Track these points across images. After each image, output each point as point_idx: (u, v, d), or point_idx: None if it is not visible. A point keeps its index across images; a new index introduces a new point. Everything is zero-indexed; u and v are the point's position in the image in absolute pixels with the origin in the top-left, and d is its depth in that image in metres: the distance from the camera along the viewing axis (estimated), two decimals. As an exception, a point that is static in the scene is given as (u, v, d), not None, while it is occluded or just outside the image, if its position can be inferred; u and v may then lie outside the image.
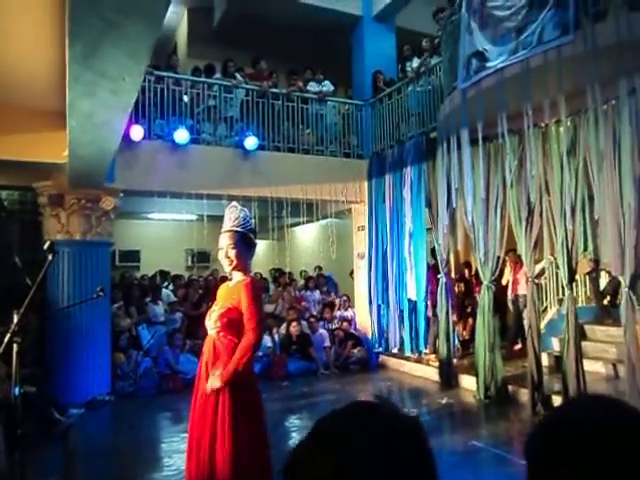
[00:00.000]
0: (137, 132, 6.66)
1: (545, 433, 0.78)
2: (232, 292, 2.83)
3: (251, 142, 7.50)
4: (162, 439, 5.33)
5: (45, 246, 2.76)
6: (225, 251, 2.84)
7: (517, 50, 4.80)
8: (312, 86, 8.57)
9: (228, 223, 2.88)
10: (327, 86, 8.63)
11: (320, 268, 10.56)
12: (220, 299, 2.91)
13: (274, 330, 8.18)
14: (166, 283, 9.43)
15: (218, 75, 8.03)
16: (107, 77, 2.83)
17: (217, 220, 11.36)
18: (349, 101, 8.92)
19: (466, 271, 8.51)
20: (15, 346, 2.53)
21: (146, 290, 8.50)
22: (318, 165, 8.10)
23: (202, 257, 12.45)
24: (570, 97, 4.74)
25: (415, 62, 8.22)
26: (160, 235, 12.01)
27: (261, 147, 7.69)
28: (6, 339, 2.54)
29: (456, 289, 8.05)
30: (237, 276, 2.87)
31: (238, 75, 8.01)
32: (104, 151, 4.46)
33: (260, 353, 7.65)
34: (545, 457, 0.76)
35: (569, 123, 5.05)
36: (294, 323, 7.94)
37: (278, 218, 8.25)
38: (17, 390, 2.55)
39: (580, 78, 4.50)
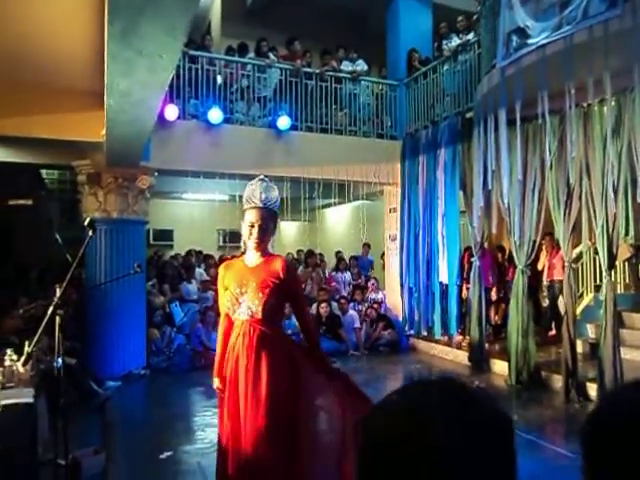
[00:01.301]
0: (172, 112, 6.71)
1: (601, 417, 0.75)
2: (266, 272, 2.58)
3: (284, 122, 7.47)
4: (195, 413, 5.47)
5: (85, 222, 2.83)
6: (256, 229, 2.56)
7: (561, 26, 4.60)
8: (345, 65, 8.46)
9: (260, 197, 2.58)
10: (361, 65, 8.50)
11: (368, 245, 10.37)
12: (243, 280, 2.57)
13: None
14: (197, 262, 9.58)
15: (252, 55, 7.99)
16: (145, 55, 2.85)
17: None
18: (383, 81, 8.77)
19: (499, 255, 8.37)
20: (58, 319, 2.61)
21: (179, 269, 8.66)
22: (351, 146, 8.02)
23: (233, 237, 12.56)
24: (616, 75, 4.54)
25: (453, 40, 8.01)
26: (193, 215, 12.17)
27: (294, 127, 7.67)
28: (49, 312, 2.62)
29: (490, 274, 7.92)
30: (257, 256, 2.61)
31: (271, 55, 7.96)
32: (140, 130, 4.52)
33: (289, 332, 7.74)
34: (599, 442, 0.74)
35: (613, 102, 4.86)
36: (323, 304, 7.97)
37: (310, 199, 8.25)
38: (60, 362, 2.64)
39: (627, 55, 4.30)
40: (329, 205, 11.45)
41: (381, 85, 8.71)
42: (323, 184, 7.94)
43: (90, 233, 2.80)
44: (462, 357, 7.16)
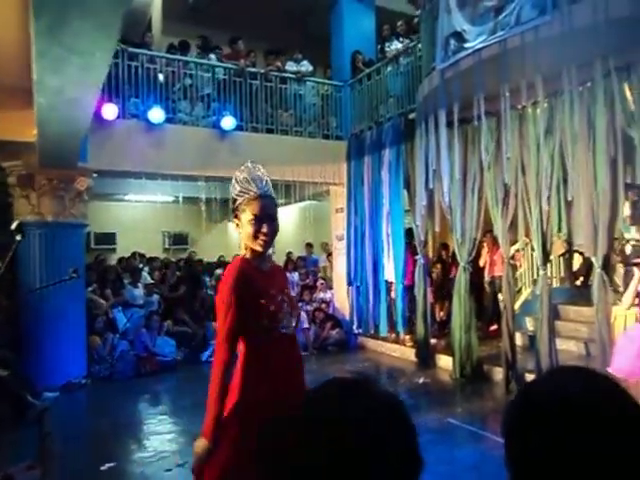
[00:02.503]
0: (110, 111, 6.49)
1: (517, 407, 0.78)
2: (283, 279, 2.29)
3: (228, 122, 7.38)
4: (139, 421, 5.31)
5: (13, 226, 2.68)
6: (270, 223, 2.06)
7: (495, 30, 4.77)
8: (290, 66, 8.45)
9: (265, 184, 2.09)
10: (306, 66, 8.52)
11: (311, 245, 10.48)
12: (273, 289, 2.11)
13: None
14: (141, 265, 9.32)
15: (194, 52, 7.85)
16: (76, 52, 2.74)
17: (193, 202, 11.29)
18: (328, 82, 8.82)
19: (443, 253, 8.59)
20: (-17, 329, 2.46)
21: (120, 273, 8.39)
22: (297, 146, 8.02)
23: (179, 239, 12.34)
24: (547, 79, 4.76)
25: (395, 43, 8.16)
26: (136, 217, 11.83)
27: (239, 127, 7.58)
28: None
29: (434, 271, 8.12)
30: (265, 259, 2.19)
31: (213, 55, 7.84)
32: (75, 129, 4.34)
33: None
34: (517, 431, 0.76)
35: (545, 105, 5.08)
36: (272, 305, 7.91)
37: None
38: (-13, 373, 2.49)
39: (557, 59, 4.52)
40: (279, 205, 11.41)
41: (326, 86, 8.75)
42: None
43: (19, 237, 2.66)
44: (410, 354, 7.30)
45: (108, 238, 11.45)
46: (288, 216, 12.26)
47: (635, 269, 3.70)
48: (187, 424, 5.04)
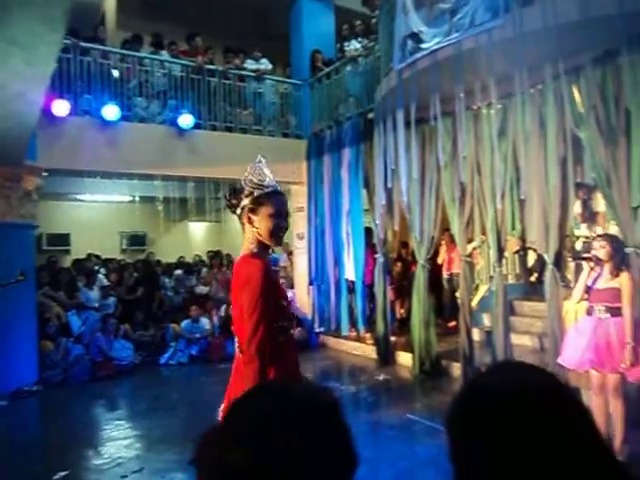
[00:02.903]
0: (61, 107, 6.26)
1: (457, 403, 0.79)
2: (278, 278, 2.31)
3: (186, 120, 7.25)
4: (94, 427, 5.16)
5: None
6: (288, 219, 2.13)
7: (451, 32, 4.85)
8: (249, 64, 8.38)
9: (277, 184, 2.13)
10: (265, 64, 8.46)
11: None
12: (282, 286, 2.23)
13: (213, 312, 8.09)
14: (97, 267, 9.06)
15: (147, 48, 7.67)
16: (18, 45, 2.62)
17: (151, 201, 11.05)
18: (287, 80, 8.78)
19: (403, 251, 8.69)
20: None
21: (74, 275, 8.13)
22: (256, 145, 7.92)
23: (137, 240, 12.05)
24: (500, 80, 4.86)
25: (353, 43, 8.19)
26: (92, 217, 11.48)
27: (197, 126, 7.46)
28: None
29: (394, 269, 8.21)
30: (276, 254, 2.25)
31: (164, 52, 7.69)
32: (21, 125, 4.16)
33: (197, 335, 7.56)
34: (457, 426, 0.77)
35: (499, 106, 5.20)
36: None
37: (215, 199, 8.09)
38: None
39: (509, 62, 4.61)
40: (237, 205, 11.29)
41: (285, 84, 8.72)
42: (229, 184, 7.80)
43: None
44: (370, 351, 7.35)
45: (61, 239, 11.07)
46: (249, 215, 12.15)
47: (584, 264, 3.82)
48: (145, 429, 4.93)
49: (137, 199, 8.27)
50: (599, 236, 3.96)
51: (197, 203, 8.35)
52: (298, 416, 0.68)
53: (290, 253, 9.52)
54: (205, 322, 7.76)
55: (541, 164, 4.84)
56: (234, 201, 2.08)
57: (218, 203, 8.30)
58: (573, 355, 3.70)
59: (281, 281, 8.93)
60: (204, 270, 9.37)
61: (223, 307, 8.16)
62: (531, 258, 8.32)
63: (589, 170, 4.68)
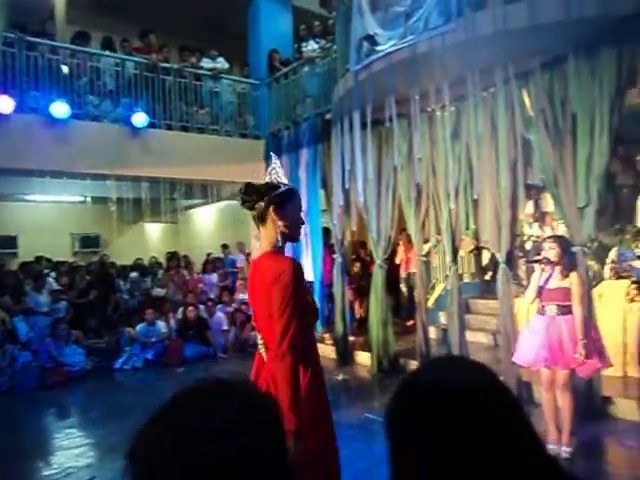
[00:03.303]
0: (6, 104, 6.01)
1: (396, 399, 0.79)
2: None
3: (140, 119, 7.08)
4: (44, 437, 4.96)
5: None
6: None
7: (405, 35, 4.91)
8: (206, 62, 8.26)
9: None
10: (221, 63, 8.36)
11: (226, 247, 10.31)
12: None
13: (170, 315, 7.93)
14: (47, 270, 8.73)
15: (96, 44, 7.44)
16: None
17: (104, 202, 10.72)
18: (244, 80, 8.71)
19: (362, 251, 8.76)
20: None
21: (21, 279, 7.80)
22: (213, 145, 7.85)
23: (90, 241, 11.67)
24: (454, 83, 4.96)
25: (311, 43, 8.20)
26: (41, 219, 11.04)
27: (151, 125, 7.30)
28: None
29: (353, 269, 8.26)
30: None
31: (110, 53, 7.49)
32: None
33: (153, 339, 7.40)
34: (398, 422, 0.77)
35: (453, 109, 5.31)
36: (190, 307, 7.73)
37: (171, 200, 7.93)
38: None
39: (462, 65, 4.73)
40: (194, 206, 11.10)
41: (243, 84, 8.65)
42: (185, 184, 7.68)
43: None
44: (329, 352, 7.36)
45: (7, 241, 10.60)
46: (207, 216, 11.99)
47: (536, 265, 3.94)
48: (97, 437, 4.78)
49: (89, 199, 8.00)
50: (548, 238, 4.10)
51: (152, 204, 8.16)
52: (243, 419, 0.67)
53: (248, 255, 9.43)
54: (161, 325, 7.59)
55: (493, 165, 4.97)
56: (254, 196, 2.05)
57: (174, 204, 8.16)
58: (528, 353, 3.81)
59: (239, 283, 8.86)
60: (160, 272, 9.17)
61: (180, 309, 8.01)
62: (485, 257, 8.54)
63: (538, 172, 4.83)
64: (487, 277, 8.36)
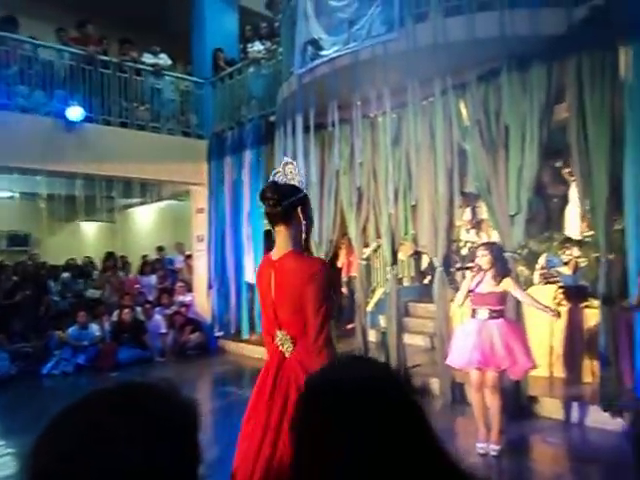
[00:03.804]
0: None
1: (298, 402, 0.79)
2: None
3: (76, 113, 6.78)
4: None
5: None
6: None
7: (349, 41, 4.97)
8: (147, 58, 8.03)
9: None
10: (164, 59, 8.16)
11: (162, 249, 10.06)
12: None
13: (104, 318, 7.63)
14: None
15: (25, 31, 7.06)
16: None
17: (34, 198, 10.18)
18: (188, 77, 8.53)
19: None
20: None
21: None
22: (154, 143, 7.64)
23: (18, 240, 11.03)
24: (395, 91, 5.08)
25: (257, 45, 8.15)
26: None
27: (88, 119, 7.00)
28: None
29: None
30: None
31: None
32: None
33: (86, 343, 7.10)
34: (300, 423, 0.77)
35: (394, 116, 5.42)
36: (126, 310, 7.48)
37: (108, 198, 7.63)
38: None
39: (403, 74, 4.84)
40: (133, 205, 10.75)
41: (186, 82, 8.47)
42: (124, 182, 7.42)
43: None
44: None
45: None
46: (146, 216, 11.65)
47: (467, 271, 4.08)
48: (21, 446, 4.50)
49: (17, 195, 7.55)
50: (481, 245, 4.26)
51: (88, 202, 7.82)
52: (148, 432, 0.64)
53: (189, 256, 9.25)
54: (95, 328, 7.29)
55: (431, 172, 5.11)
56: (282, 196, 2.05)
57: (112, 202, 7.85)
58: (461, 356, 3.93)
59: (179, 284, 8.66)
60: (95, 273, 8.82)
61: (116, 312, 7.73)
62: (425, 261, 8.75)
63: (473, 180, 5.01)
64: (426, 281, 8.56)
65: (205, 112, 8.46)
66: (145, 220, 11.88)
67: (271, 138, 6.96)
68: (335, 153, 5.73)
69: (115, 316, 7.70)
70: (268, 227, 7.40)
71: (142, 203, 9.08)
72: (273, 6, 7.69)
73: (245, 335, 7.82)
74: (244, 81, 8.00)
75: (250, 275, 7.55)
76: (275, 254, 2.11)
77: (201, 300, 8.55)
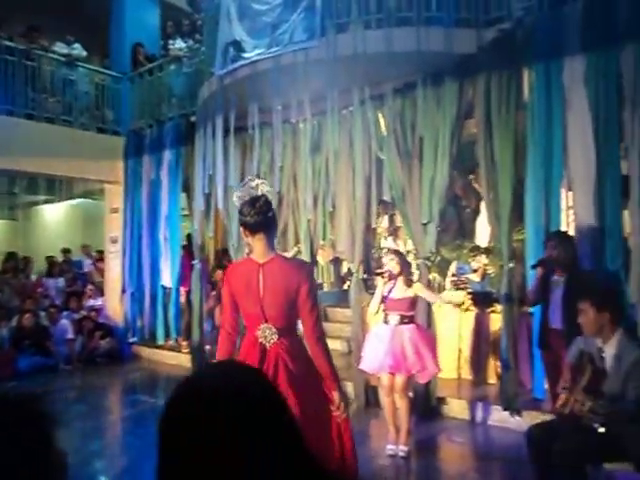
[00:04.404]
0: None
1: (166, 405, 0.79)
2: None
3: (-26, 101, 6.27)
4: None
5: None
6: None
7: (271, 46, 4.96)
8: (59, 47, 7.57)
9: None
10: (78, 50, 7.74)
11: (68, 251, 9.50)
12: None
13: (2, 323, 7.07)
14: None
15: None
16: None
17: None
18: (104, 70, 8.14)
19: (225, 258, 8.62)
20: None
21: None
22: (64, 137, 7.21)
23: None
24: (316, 99, 5.13)
25: (179, 42, 7.93)
26: None
27: (-13, 109, 6.50)
28: None
29: (216, 276, 8.08)
30: None
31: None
32: None
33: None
34: (166, 426, 0.77)
35: (315, 122, 5.47)
36: (27, 314, 6.98)
37: (10, 194, 7.10)
38: None
39: (323, 82, 4.90)
40: (39, 202, 10.06)
41: (102, 75, 8.07)
42: (28, 178, 6.94)
43: None
44: (186, 361, 7.12)
45: None
46: (55, 214, 10.95)
47: (379, 278, 4.19)
48: None
49: None
50: (387, 252, 4.41)
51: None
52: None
53: (99, 259, 8.80)
54: (-9, 335, 6.75)
55: (349, 180, 5.20)
56: (266, 208, 2.28)
57: (14, 198, 7.29)
58: (373, 361, 4.02)
59: (89, 288, 8.23)
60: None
61: (16, 317, 7.19)
62: (345, 267, 8.89)
63: (388, 188, 5.16)
64: (345, 286, 8.70)
65: (122, 108, 8.11)
66: (53, 219, 11.15)
67: (192, 138, 6.79)
68: (255, 157, 5.69)
69: (15, 321, 7.16)
70: (189, 230, 7.22)
71: (48, 201, 8.52)
72: (194, 3, 7.52)
73: (160, 341, 7.56)
74: (165, 78, 7.76)
75: (167, 279, 7.32)
76: (259, 258, 2.29)
77: (113, 304, 8.16)
